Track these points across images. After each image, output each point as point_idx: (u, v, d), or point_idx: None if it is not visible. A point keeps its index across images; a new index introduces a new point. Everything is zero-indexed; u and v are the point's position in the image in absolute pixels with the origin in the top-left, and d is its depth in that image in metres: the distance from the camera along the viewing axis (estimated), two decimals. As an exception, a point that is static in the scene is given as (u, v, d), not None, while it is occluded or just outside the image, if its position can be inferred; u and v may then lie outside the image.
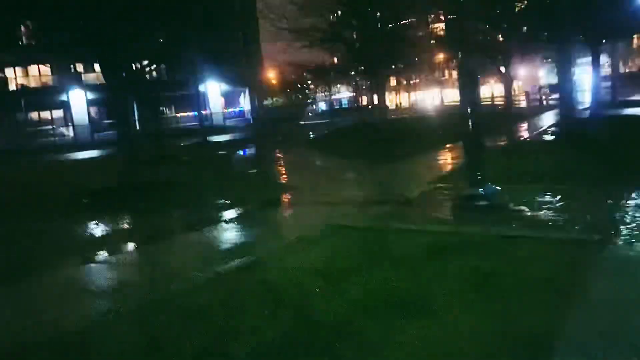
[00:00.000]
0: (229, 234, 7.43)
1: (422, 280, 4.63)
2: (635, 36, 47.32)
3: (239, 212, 8.77)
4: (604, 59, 33.10)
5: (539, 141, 15.78)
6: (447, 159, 13.15)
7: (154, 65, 43.30)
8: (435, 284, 4.54)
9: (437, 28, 37.63)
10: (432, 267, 4.96)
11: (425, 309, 4.03)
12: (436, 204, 8.23)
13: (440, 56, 59.63)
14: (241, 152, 20.22)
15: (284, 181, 12.22)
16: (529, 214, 6.90)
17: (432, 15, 31.74)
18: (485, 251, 5.28)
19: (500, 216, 6.81)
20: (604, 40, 24.86)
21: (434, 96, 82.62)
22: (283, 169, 13.81)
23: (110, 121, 39.89)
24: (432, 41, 35.13)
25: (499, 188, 7.55)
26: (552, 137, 16.64)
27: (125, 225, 8.86)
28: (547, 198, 7.54)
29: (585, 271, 4.66)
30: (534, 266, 4.82)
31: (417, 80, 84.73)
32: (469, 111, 7.69)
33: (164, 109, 44.14)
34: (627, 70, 52.13)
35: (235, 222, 8.08)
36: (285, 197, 10.19)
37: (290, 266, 5.32)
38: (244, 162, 17.39)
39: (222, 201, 9.74)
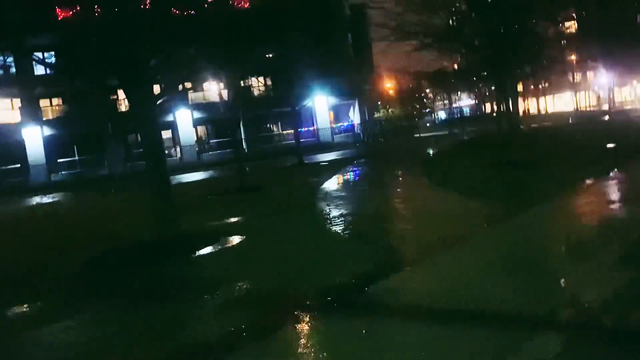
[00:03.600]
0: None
1: None
2: None
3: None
4: None
5: None
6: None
7: (262, 81, 43.24)
8: None
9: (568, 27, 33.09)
10: None
11: None
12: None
13: (573, 57, 53.81)
14: (328, 183, 16.47)
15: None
16: None
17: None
18: None
19: None
20: None
21: (566, 101, 75.19)
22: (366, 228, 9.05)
23: (217, 140, 40.04)
24: (563, 41, 30.84)
25: None
26: None
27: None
28: None
29: None
30: None
31: (547, 85, 77.74)
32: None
33: (271, 126, 43.52)
34: None
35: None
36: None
37: None
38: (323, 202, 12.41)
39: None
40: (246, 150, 39.48)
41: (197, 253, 8.08)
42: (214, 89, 42.90)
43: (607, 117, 38.47)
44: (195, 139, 39.68)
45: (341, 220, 9.60)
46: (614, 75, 51.60)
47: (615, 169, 11.41)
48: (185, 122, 39.02)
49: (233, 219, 10.93)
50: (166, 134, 40.44)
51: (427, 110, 75.33)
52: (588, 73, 73.72)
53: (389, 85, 67.09)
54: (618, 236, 6.33)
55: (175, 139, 39.66)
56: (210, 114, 37.91)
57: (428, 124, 59.75)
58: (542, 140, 21.06)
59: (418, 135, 42.43)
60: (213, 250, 8.28)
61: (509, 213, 8.58)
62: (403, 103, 67.58)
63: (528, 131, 25.86)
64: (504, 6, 23.85)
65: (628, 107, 54.99)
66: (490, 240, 6.98)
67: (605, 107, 61.76)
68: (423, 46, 25.41)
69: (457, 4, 26.53)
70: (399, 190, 13.44)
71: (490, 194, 10.48)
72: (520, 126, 27.18)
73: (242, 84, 42.13)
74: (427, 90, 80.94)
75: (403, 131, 44.14)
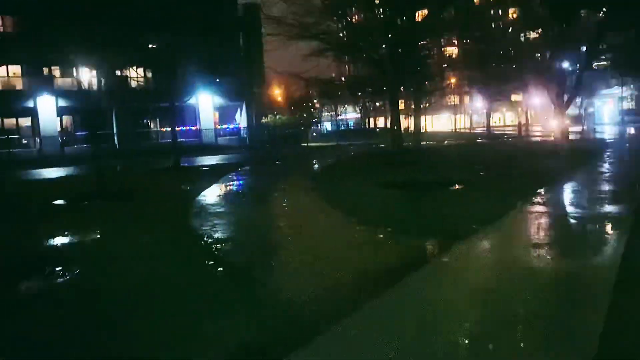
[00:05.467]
0: None
1: None
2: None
3: None
4: None
5: None
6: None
7: (141, 72, 39.34)
8: None
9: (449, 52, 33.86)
10: None
11: None
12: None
13: (453, 80, 56.05)
14: (208, 193, 13.44)
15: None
16: None
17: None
18: None
19: None
20: None
21: (443, 122, 78.68)
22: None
23: (85, 133, 35.56)
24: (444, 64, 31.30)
25: None
26: None
27: None
28: None
29: None
30: None
31: (427, 105, 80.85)
32: None
33: (149, 121, 39.77)
34: None
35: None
36: None
37: None
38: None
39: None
40: (117, 146, 35.53)
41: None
42: (85, 76, 38.45)
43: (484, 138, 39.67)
44: (59, 129, 34.92)
45: (216, 250, 7.35)
46: (488, 101, 54.25)
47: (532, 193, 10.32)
48: (47, 110, 34.20)
49: (63, 241, 8.29)
50: (24, 122, 35.31)
51: (314, 120, 74.75)
52: (465, 97, 77.76)
53: (278, 91, 65.45)
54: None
55: (34, 129, 34.64)
56: (79, 103, 33.49)
57: (315, 134, 58.68)
58: (437, 158, 20.13)
59: (305, 144, 40.92)
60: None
61: (424, 249, 6.90)
62: (292, 110, 66.25)
63: (421, 148, 25.13)
64: (396, 23, 23.25)
65: (502, 130, 57.96)
66: (414, 291, 5.14)
67: (480, 129, 65.13)
68: (320, 51, 23.98)
69: (355, 16, 25.57)
70: (288, 209, 11.31)
71: (396, 222, 8.76)
72: (421, 142, 26.64)
73: (119, 73, 38.10)
74: (315, 101, 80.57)
75: (290, 139, 42.41)
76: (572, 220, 8.50)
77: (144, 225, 9.46)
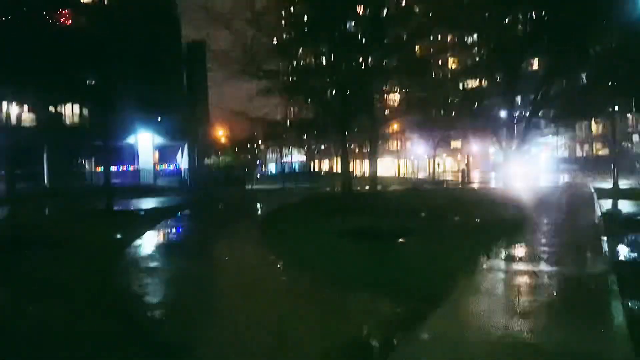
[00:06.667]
0: None
1: None
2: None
3: None
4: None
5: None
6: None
7: (76, 109, 37.23)
8: None
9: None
10: None
11: None
12: None
13: (396, 125, 56.70)
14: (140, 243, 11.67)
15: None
16: None
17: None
18: None
19: None
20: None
21: (386, 166, 79.20)
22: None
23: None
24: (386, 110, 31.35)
25: None
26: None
27: None
28: None
29: None
30: None
31: (369, 149, 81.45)
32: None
33: (83, 160, 37.42)
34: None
35: None
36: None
37: None
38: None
39: None
40: (47, 185, 33.01)
41: None
42: (16, 110, 36.00)
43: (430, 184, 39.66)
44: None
45: (140, 321, 5.97)
46: (430, 146, 55.02)
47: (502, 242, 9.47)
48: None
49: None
50: None
51: (259, 162, 73.64)
52: (407, 142, 78.86)
53: (222, 132, 64.15)
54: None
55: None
56: (6, 139, 31.07)
57: (259, 176, 57.30)
58: (389, 204, 19.22)
59: (250, 187, 39.51)
60: None
61: (391, 317, 5.79)
62: (236, 151, 64.94)
63: (373, 193, 24.34)
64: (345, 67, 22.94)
65: (444, 176, 58.70)
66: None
67: (422, 175, 65.76)
68: (266, 91, 23.10)
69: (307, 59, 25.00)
70: (230, 265, 9.95)
71: (354, 280, 7.64)
72: (376, 186, 25.94)
73: (53, 110, 35.93)
74: (260, 142, 79.69)
75: (234, 181, 40.87)
76: (546, 279, 7.63)
77: (51, 285, 7.86)
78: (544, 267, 8.20)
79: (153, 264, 9.33)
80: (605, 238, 10.40)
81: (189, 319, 6.10)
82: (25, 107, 35.39)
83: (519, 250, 9.81)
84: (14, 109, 34.62)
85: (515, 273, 7.91)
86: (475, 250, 9.21)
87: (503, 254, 9.24)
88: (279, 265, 9.21)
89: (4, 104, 34.05)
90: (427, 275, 7.76)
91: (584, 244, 10.24)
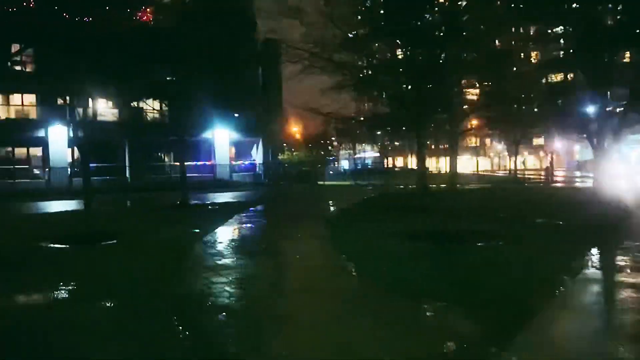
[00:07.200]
0: None
1: None
2: None
3: None
4: None
5: None
6: None
7: (157, 105, 38.42)
8: None
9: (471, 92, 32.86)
10: None
11: None
12: None
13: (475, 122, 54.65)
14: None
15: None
16: None
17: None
18: None
19: None
20: None
21: (464, 164, 76.60)
22: None
23: (96, 165, 34.36)
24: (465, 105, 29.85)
25: None
26: None
27: None
28: None
29: None
30: None
31: (447, 145, 79.24)
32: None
33: (162, 155, 38.62)
34: None
35: None
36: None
37: None
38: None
39: None
40: (129, 179, 34.31)
41: None
42: (100, 106, 37.65)
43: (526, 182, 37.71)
44: (70, 160, 33.78)
45: (206, 328, 5.67)
46: (510, 143, 52.53)
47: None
48: (58, 141, 33.19)
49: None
50: (35, 152, 34.35)
51: (331, 158, 73.55)
52: (486, 139, 75.95)
53: (296, 129, 64.48)
54: None
55: (45, 159, 33.57)
56: (92, 133, 32.52)
57: (331, 172, 57.06)
58: (470, 204, 18.09)
59: (322, 183, 39.32)
60: None
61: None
62: (309, 147, 65.11)
63: (452, 192, 23.31)
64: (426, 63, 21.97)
65: (526, 174, 55.75)
66: None
67: (502, 172, 63.14)
68: (340, 86, 22.64)
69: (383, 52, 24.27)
70: (297, 269, 9.34)
71: (432, 292, 6.98)
72: (454, 184, 24.96)
73: (135, 105, 37.22)
74: (333, 138, 79.56)
75: (307, 177, 40.83)
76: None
77: (118, 283, 7.80)
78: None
79: (218, 262, 9.07)
80: None
81: (250, 324, 5.73)
82: (109, 103, 36.87)
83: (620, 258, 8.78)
84: (99, 106, 36.24)
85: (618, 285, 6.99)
86: (571, 255, 8.31)
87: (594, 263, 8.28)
88: (346, 270, 8.68)
89: (88, 100, 35.70)
90: (512, 286, 6.99)
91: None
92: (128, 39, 33.75)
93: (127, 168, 35.33)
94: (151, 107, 36.67)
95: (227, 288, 7.26)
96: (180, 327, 5.56)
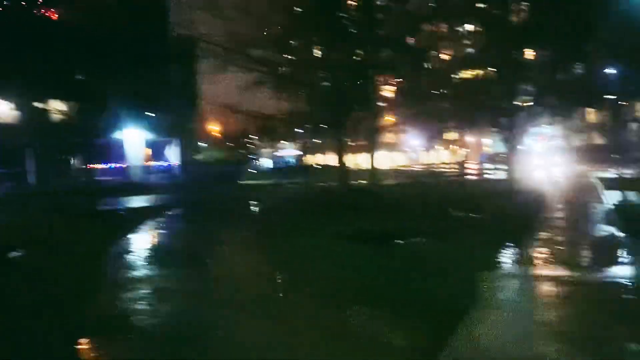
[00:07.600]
0: None
1: None
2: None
3: None
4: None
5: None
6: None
7: (63, 106, 36.06)
8: None
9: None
10: None
11: None
12: None
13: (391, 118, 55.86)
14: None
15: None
16: None
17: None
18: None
19: None
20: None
21: (379, 160, 77.96)
22: None
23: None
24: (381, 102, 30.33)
25: None
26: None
27: None
28: None
29: None
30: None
31: (365, 142, 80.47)
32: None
33: (71, 158, 36.29)
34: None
35: None
36: None
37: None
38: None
39: None
40: (33, 185, 31.94)
41: None
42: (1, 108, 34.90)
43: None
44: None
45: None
46: (426, 139, 54.00)
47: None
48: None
49: None
50: None
51: (253, 157, 72.51)
52: (402, 135, 77.90)
53: (214, 127, 63.06)
54: None
55: None
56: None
57: (253, 171, 56.14)
58: (394, 201, 18.00)
59: (243, 182, 38.50)
60: None
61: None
62: (228, 146, 63.87)
63: (372, 188, 23.34)
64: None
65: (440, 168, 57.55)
66: None
67: (418, 167, 64.91)
68: (259, 83, 22.05)
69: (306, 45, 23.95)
70: (222, 276, 8.90)
71: (372, 295, 6.72)
72: (378, 181, 24.99)
73: (39, 106, 34.73)
74: (253, 137, 78.59)
75: (227, 177, 39.81)
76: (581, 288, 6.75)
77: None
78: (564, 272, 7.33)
79: (132, 274, 8.35)
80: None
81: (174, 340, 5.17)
82: (11, 104, 34.27)
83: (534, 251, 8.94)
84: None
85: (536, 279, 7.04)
86: (492, 251, 8.35)
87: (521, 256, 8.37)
88: (276, 275, 8.24)
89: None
90: (442, 283, 6.86)
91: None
92: (31, 35, 31.49)
93: (30, 173, 32.82)
94: (56, 108, 34.37)
95: (137, 306, 6.60)
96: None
